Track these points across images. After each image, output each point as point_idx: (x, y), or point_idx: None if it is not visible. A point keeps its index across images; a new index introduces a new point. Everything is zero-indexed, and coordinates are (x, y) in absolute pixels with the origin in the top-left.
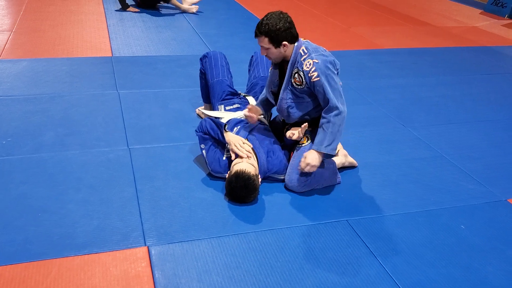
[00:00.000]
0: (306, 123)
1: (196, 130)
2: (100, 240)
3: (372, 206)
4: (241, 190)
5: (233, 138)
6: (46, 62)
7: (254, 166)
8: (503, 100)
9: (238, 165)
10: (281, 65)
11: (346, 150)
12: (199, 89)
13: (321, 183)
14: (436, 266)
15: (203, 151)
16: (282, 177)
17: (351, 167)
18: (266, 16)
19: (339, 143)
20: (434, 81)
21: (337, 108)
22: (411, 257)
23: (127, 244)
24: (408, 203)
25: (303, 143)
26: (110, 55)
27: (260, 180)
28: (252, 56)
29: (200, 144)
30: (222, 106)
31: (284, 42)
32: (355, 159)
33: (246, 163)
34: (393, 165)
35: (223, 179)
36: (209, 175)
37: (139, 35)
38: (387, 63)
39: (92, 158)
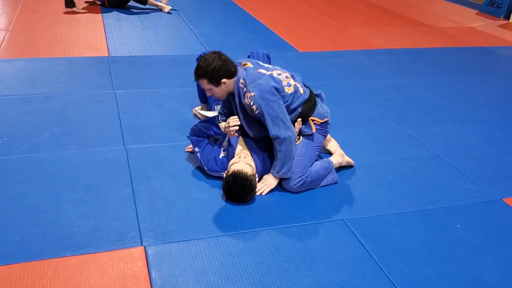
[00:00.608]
0: (300, 119)
1: (188, 136)
2: (96, 240)
3: (368, 205)
4: (238, 190)
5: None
6: (42, 61)
7: (251, 166)
8: (499, 100)
9: (235, 165)
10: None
11: (343, 149)
12: (196, 89)
13: (317, 183)
14: (432, 265)
15: (198, 154)
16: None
17: (348, 166)
18: (200, 59)
19: (336, 142)
20: (431, 81)
21: (277, 137)
22: (408, 256)
23: (123, 244)
24: (404, 203)
25: (295, 143)
26: (106, 54)
27: (257, 180)
28: (249, 56)
29: (194, 147)
30: (219, 106)
31: (223, 80)
32: (352, 159)
33: (243, 163)
34: (389, 165)
35: (220, 178)
36: (206, 175)
37: (135, 34)
38: (384, 63)
39: (89, 158)
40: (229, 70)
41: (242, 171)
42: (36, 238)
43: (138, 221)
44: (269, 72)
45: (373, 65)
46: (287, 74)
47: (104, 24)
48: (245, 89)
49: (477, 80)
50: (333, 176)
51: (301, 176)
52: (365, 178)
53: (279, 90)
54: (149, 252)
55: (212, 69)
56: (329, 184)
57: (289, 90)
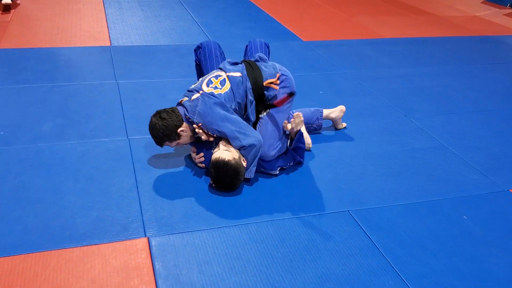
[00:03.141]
0: (299, 113)
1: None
2: (99, 231)
3: (374, 196)
4: (224, 178)
5: None
6: (44, 51)
7: (231, 151)
8: (505, 89)
9: (214, 155)
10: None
11: (348, 139)
12: (197, 80)
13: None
14: (439, 257)
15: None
16: (276, 173)
17: (334, 125)
18: (149, 131)
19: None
20: (436, 70)
21: (242, 147)
22: (414, 248)
23: (127, 235)
24: (410, 194)
25: (263, 112)
26: (108, 44)
27: (244, 164)
28: (247, 45)
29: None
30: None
31: (178, 130)
32: (357, 149)
33: (222, 150)
34: (395, 156)
35: None
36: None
37: (137, 24)
38: (389, 53)
39: (91, 148)
40: (175, 121)
41: (219, 158)
42: (38, 229)
43: (141, 212)
44: (200, 92)
45: (377, 55)
46: (217, 73)
47: (105, 13)
48: (194, 121)
49: (483, 69)
50: (316, 117)
51: (277, 144)
52: (371, 169)
53: (217, 103)
54: (153, 243)
55: (162, 132)
56: (313, 125)
57: (226, 88)
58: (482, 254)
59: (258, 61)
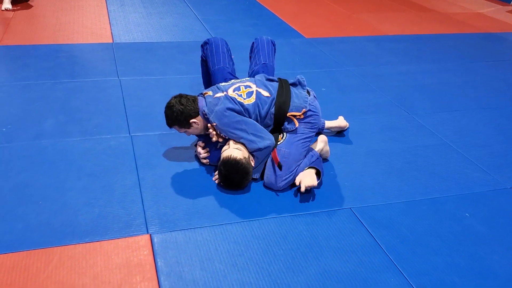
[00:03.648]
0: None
1: None
2: (102, 228)
3: (376, 194)
4: (234, 176)
5: None
6: (46, 48)
7: (241, 150)
8: (507, 87)
9: (224, 153)
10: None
11: (350, 137)
12: (201, 76)
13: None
14: (440, 254)
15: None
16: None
17: (325, 158)
18: (165, 109)
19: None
20: (438, 68)
21: (258, 149)
22: (416, 245)
23: (129, 232)
24: (412, 191)
25: (279, 141)
26: (111, 41)
27: (253, 163)
28: (253, 42)
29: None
30: None
31: (191, 120)
32: (358, 147)
33: (232, 148)
34: (397, 153)
35: None
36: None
37: (140, 21)
38: (391, 50)
39: (94, 145)
40: (192, 110)
41: (231, 156)
42: (41, 226)
43: (143, 209)
44: (224, 93)
45: (380, 52)
46: (248, 83)
47: (108, 10)
48: (209, 119)
49: (486, 67)
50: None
51: (287, 176)
52: (373, 166)
53: (235, 110)
54: (155, 240)
55: (176, 116)
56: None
57: (250, 101)
58: (484, 251)
59: (295, 85)
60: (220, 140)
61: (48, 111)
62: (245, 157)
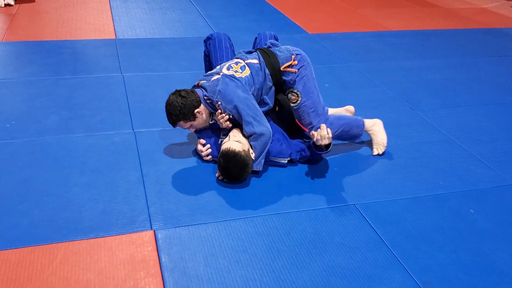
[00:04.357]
0: (322, 128)
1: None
2: (106, 224)
3: (380, 190)
4: (233, 169)
5: None
6: (49, 44)
7: (241, 143)
8: (511, 83)
9: (224, 145)
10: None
11: None
12: (204, 71)
13: (340, 122)
14: (445, 251)
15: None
16: (284, 161)
17: (377, 149)
18: (165, 107)
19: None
20: (442, 63)
21: (253, 133)
22: (420, 241)
23: (133, 228)
24: (416, 187)
25: (296, 100)
26: (113, 37)
27: (253, 156)
28: (256, 37)
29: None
30: None
31: (195, 111)
32: (362, 143)
33: (232, 141)
34: (401, 149)
35: None
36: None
37: (142, 17)
38: (394, 45)
39: (97, 141)
40: (193, 101)
41: (230, 149)
42: (44, 222)
43: (147, 205)
44: (221, 74)
45: (383, 47)
46: (236, 60)
47: (110, 6)
48: (213, 102)
49: (490, 62)
50: (357, 130)
51: (324, 120)
52: (377, 162)
53: (237, 86)
54: (159, 236)
55: (179, 111)
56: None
57: (246, 73)
58: (488, 247)
59: (270, 47)
60: (230, 125)
61: (52, 107)
62: (244, 150)
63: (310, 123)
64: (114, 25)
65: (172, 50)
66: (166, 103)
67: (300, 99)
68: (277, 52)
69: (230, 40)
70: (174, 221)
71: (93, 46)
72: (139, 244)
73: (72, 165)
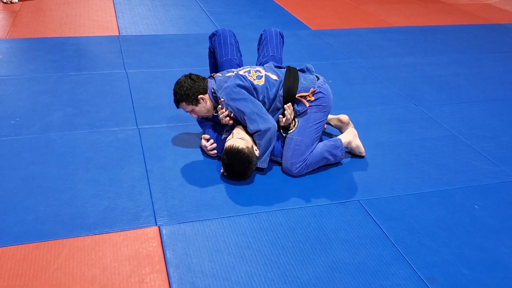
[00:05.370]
0: (288, 104)
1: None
2: (110, 220)
3: (384, 186)
4: (237, 166)
5: None
6: (53, 41)
7: (245, 140)
8: None
9: (227, 142)
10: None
11: (357, 129)
12: (208, 68)
13: (319, 164)
14: (449, 247)
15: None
16: (280, 160)
17: (359, 156)
18: (174, 86)
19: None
20: (446, 59)
21: (258, 130)
22: (424, 237)
23: (138, 224)
24: (421, 183)
25: (291, 129)
26: (117, 34)
27: (257, 153)
28: (262, 34)
29: (202, 129)
30: None
31: (199, 96)
32: (366, 139)
33: (235, 138)
34: (405, 145)
35: None
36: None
37: (146, 13)
38: (398, 41)
39: (101, 138)
40: (201, 87)
41: (233, 146)
42: (50, 218)
43: (152, 201)
44: (235, 72)
45: (387, 43)
46: (258, 68)
47: (114, 2)
48: (217, 97)
49: (494, 58)
50: (338, 153)
51: (300, 163)
52: (381, 158)
53: (245, 86)
54: (164, 232)
55: (185, 90)
56: (332, 163)
57: (260, 82)
58: (493, 243)
59: (303, 71)
60: (231, 122)
61: (56, 103)
62: (248, 147)
63: (290, 157)
64: (117, 22)
65: (176, 47)
66: (176, 82)
67: (294, 129)
68: (302, 79)
69: (236, 37)
70: (178, 217)
71: (96, 43)
72: (144, 240)
73: (76, 162)
